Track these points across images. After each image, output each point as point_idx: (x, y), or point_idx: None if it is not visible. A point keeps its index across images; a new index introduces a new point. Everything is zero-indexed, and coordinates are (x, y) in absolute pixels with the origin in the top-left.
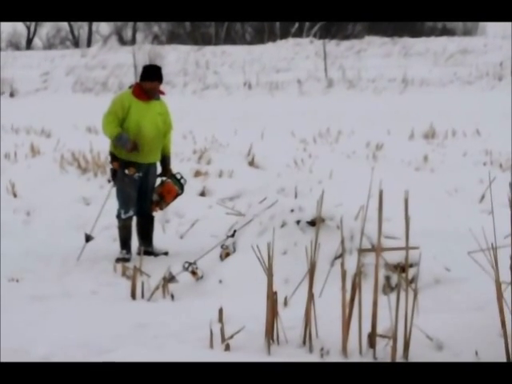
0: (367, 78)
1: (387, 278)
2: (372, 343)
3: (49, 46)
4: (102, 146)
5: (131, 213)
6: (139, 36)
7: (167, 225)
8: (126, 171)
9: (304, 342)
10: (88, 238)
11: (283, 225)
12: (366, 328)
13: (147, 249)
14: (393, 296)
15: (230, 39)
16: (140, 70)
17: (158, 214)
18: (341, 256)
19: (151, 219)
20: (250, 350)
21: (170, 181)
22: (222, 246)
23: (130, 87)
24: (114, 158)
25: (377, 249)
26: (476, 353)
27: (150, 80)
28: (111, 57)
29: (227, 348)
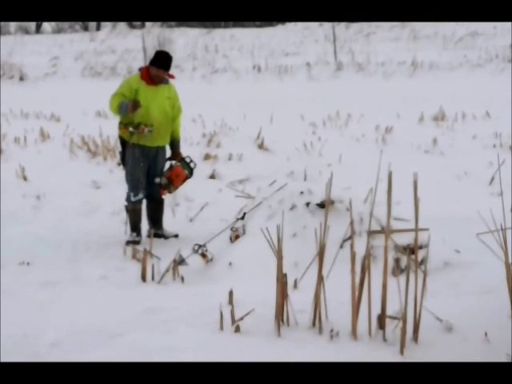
0: (376, 61)
1: (396, 260)
2: (381, 325)
3: (58, 30)
4: (112, 130)
5: (140, 196)
6: None
7: (177, 208)
8: (136, 131)
9: (314, 324)
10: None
11: (292, 208)
12: (376, 310)
13: (157, 232)
14: (402, 278)
15: (239, 23)
16: (149, 54)
17: (167, 198)
18: (350, 238)
19: (161, 202)
20: (260, 332)
21: (179, 164)
22: (231, 229)
23: (140, 69)
24: (122, 142)
25: (386, 231)
26: (485, 334)
27: (156, 66)
28: (120, 41)
29: (237, 330)
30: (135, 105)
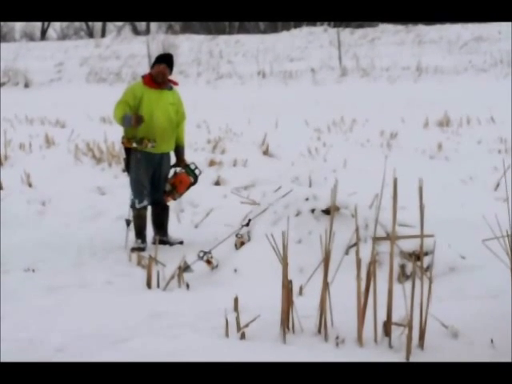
0: (381, 66)
1: (402, 267)
2: (387, 331)
3: (63, 36)
4: (116, 136)
5: (145, 202)
6: (153, 26)
7: (182, 214)
8: (139, 146)
9: (319, 331)
10: (129, 223)
11: (298, 213)
12: (381, 316)
13: (162, 238)
14: (408, 284)
15: (244, 28)
16: (153, 60)
17: (172, 204)
18: (355, 244)
19: (166, 209)
20: (265, 338)
21: (183, 171)
22: (236, 235)
23: (143, 77)
24: (126, 149)
25: (391, 237)
26: (491, 340)
27: (157, 63)
28: (125, 47)
29: (242, 337)
30: (138, 120)
